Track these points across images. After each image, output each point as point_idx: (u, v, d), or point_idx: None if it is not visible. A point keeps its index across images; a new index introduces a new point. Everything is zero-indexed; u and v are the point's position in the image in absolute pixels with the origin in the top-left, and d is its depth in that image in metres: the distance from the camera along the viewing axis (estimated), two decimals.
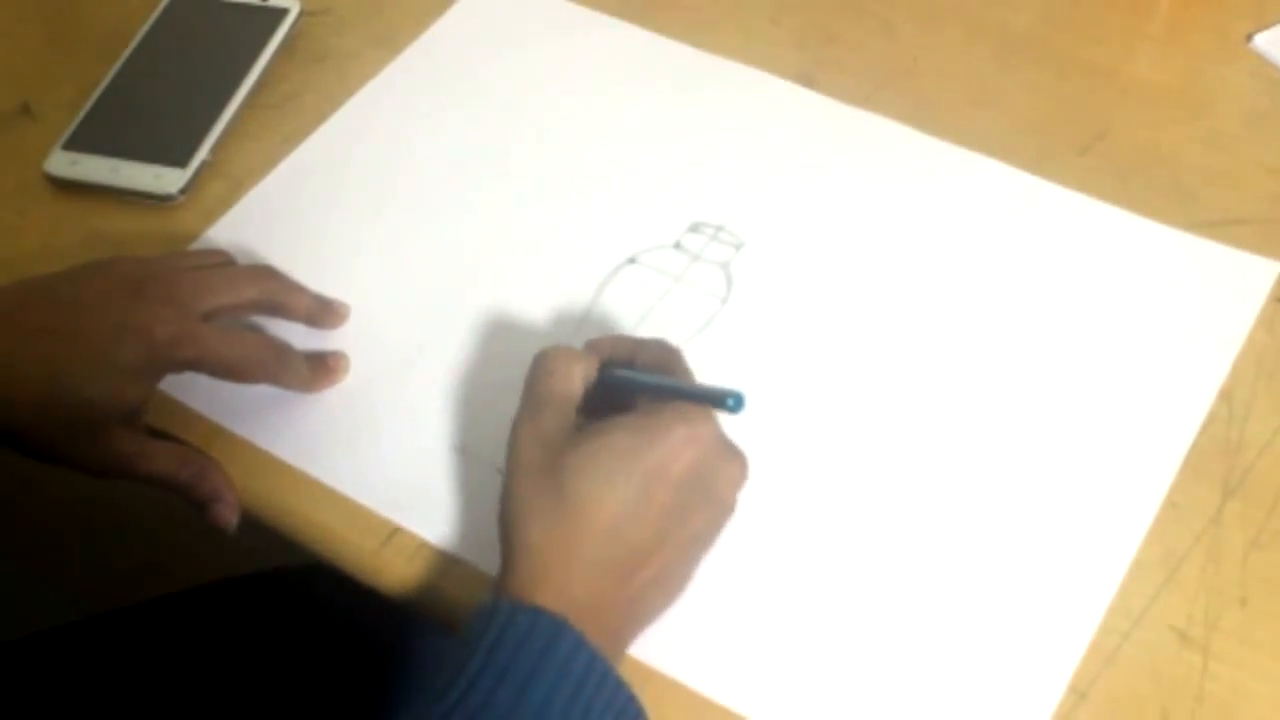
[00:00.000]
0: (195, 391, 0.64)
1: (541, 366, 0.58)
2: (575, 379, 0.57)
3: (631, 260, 0.69)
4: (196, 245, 0.71)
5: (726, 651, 0.56)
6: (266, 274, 0.65)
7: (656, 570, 0.53)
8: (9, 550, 1.31)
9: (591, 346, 0.60)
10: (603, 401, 0.58)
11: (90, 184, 0.73)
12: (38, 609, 1.04)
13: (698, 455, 0.53)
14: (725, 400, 0.53)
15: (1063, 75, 0.76)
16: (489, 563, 0.57)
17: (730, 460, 0.55)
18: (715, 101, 0.75)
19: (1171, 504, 0.58)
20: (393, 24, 0.81)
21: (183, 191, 0.72)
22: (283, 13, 0.80)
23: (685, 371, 0.58)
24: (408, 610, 0.60)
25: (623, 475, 0.52)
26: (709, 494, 0.54)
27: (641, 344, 0.60)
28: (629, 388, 0.58)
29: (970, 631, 0.55)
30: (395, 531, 0.60)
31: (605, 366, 0.59)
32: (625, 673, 0.55)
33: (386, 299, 0.68)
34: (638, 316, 0.66)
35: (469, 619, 0.51)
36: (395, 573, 0.59)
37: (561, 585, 0.51)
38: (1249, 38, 0.76)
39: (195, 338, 0.60)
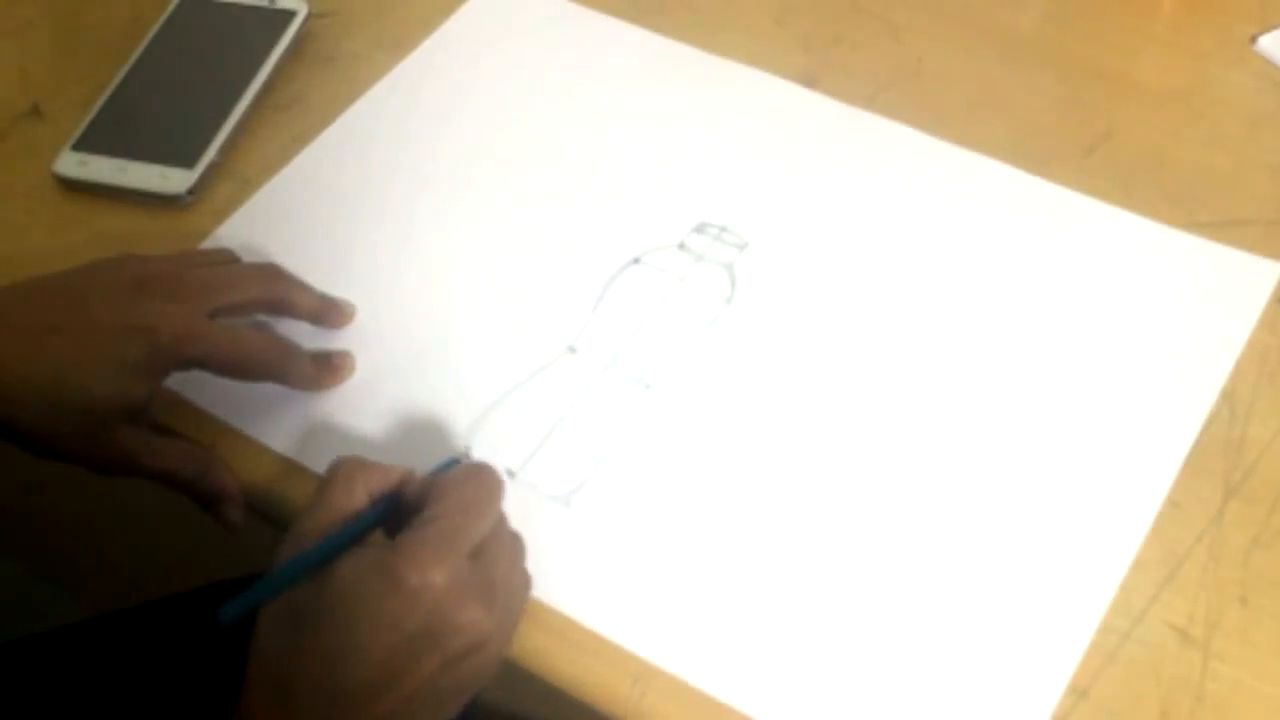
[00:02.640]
0: (201, 389, 0.65)
1: (326, 472, 0.55)
2: (355, 491, 0.54)
3: (636, 261, 0.69)
4: (204, 245, 0.71)
5: (728, 649, 0.56)
6: (273, 273, 0.66)
7: (393, 706, 0.50)
8: (16, 549, 1.31)
9: (403, 478, 0.56)
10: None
11: (99, 184, 0.74)
12: (42, 608, 1.04)
13: (429, 605, 0.49)
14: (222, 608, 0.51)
15: (1067, 77, 0.76)
16: None
17: (466, 611, 0.50)
18: (720, 103, 0.76)
19: (1173, 503, 0.59)
20: (400, 26, 0.81)
21: (191, 192, 0.73)
22: (291, 15, 0.80)
23: (463, 503, 0.53)
24: None
25: (346, 612, 0.49)
26: (440, 646, 0.50)
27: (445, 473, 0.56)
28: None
29: (971, 629, 0.56)
30: None
31: (392, 495, 0.55)
32: (626, 668, 0.55)
33: (392, 299, 0.68)
34: (642, 317, 0.67)
35: None
36: None
37: (284, 710, 0.50)
38: (1253, 40, 0.76)
39: (201, 335, 0.60)
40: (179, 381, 0.63)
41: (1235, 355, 0.63)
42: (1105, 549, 0.57)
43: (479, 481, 0.54)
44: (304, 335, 0.66)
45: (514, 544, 0.56)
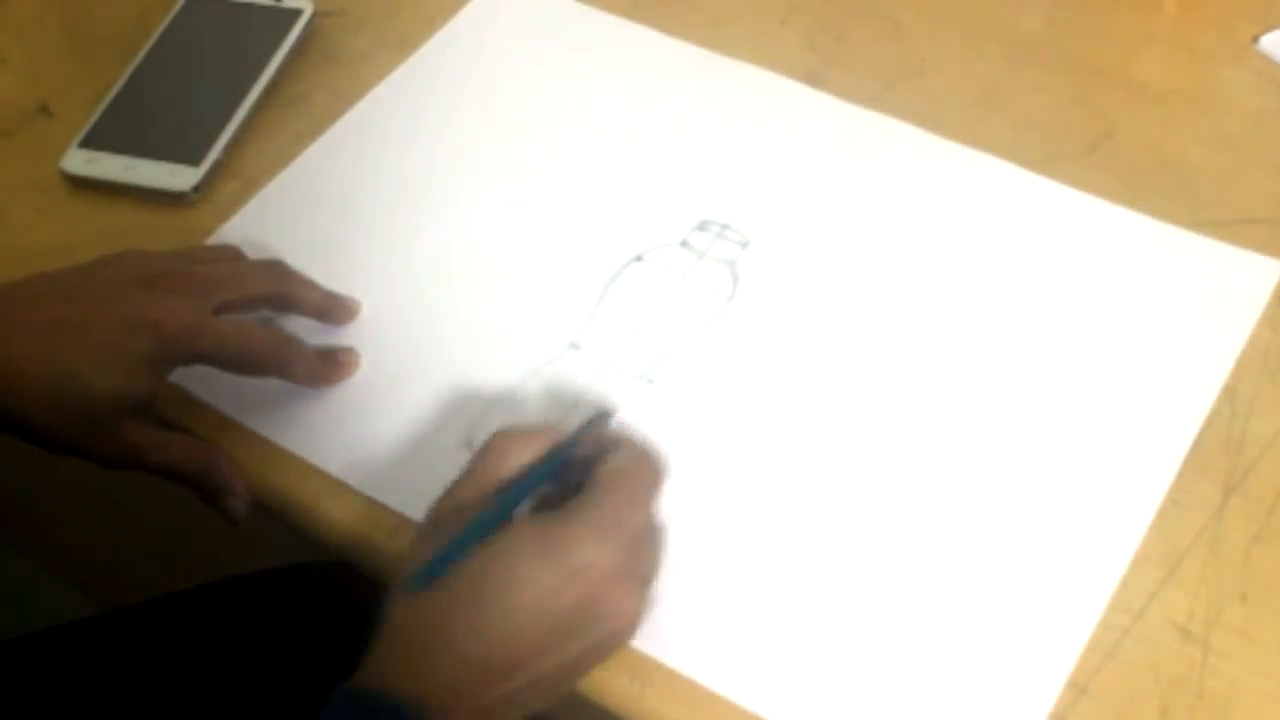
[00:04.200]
0: (206, 384, 0.65)
1: (485, 445, 0.55)
2: (508, 460, 0.54)
3: (638, 258, 0.69)
4: (210, 242, 0.72)
5: (728, 643, 0.56)
6: (277, 269, 0.66)
7: (523, 684, 0.50)
8: (23, 544, 1.32)
9: (567, 437, 0.56)
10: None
11: (106, 181, 0.74)
12: (48, 604, 1.05)
13: (590, 588, 0.50)
14: (415, 574, 0.51)
15: (1069, 76, 0.76)
16: None
17: (625, 596, 0.52)
18: (724, 101, 0.76)
19: (1173, 500, 0.59)
20: (405, 25, 0.81)
21: (196, 189, 0.73)
22: (296, 14, 0.80)
23: (630, 491, 0.53)
24: None
25: (509, 585, 0.50)
26: (596, 626, 0.51)
27: (617, 444, 0.56)
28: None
29: (970, 625, 0.56)
30: (402, 523, 0.61)
31: (557, 459, 0.55)
32: (627, 665, 0.55)
33: (397, 295, 0.69)
34: (644, 314, 0.67)
35: (334, 692, 0.49)
36: (402, 565, 0.60)
37: (421, 673, 0.49)
38: (1255, 39, 0.76)
39: (206, 330, 0.60)
40: (184, 376, 0.64)
41: (1236, 353, 0.63)
42: (1106, 545, 0.57)
43: (649, 468, 0.55)
44: (308, 331, 0.66)
45: (662, 535, 0.56)
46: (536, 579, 0.50)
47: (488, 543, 0.51)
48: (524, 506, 0.55)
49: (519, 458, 0.55)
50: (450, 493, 0.54)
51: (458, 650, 0.50)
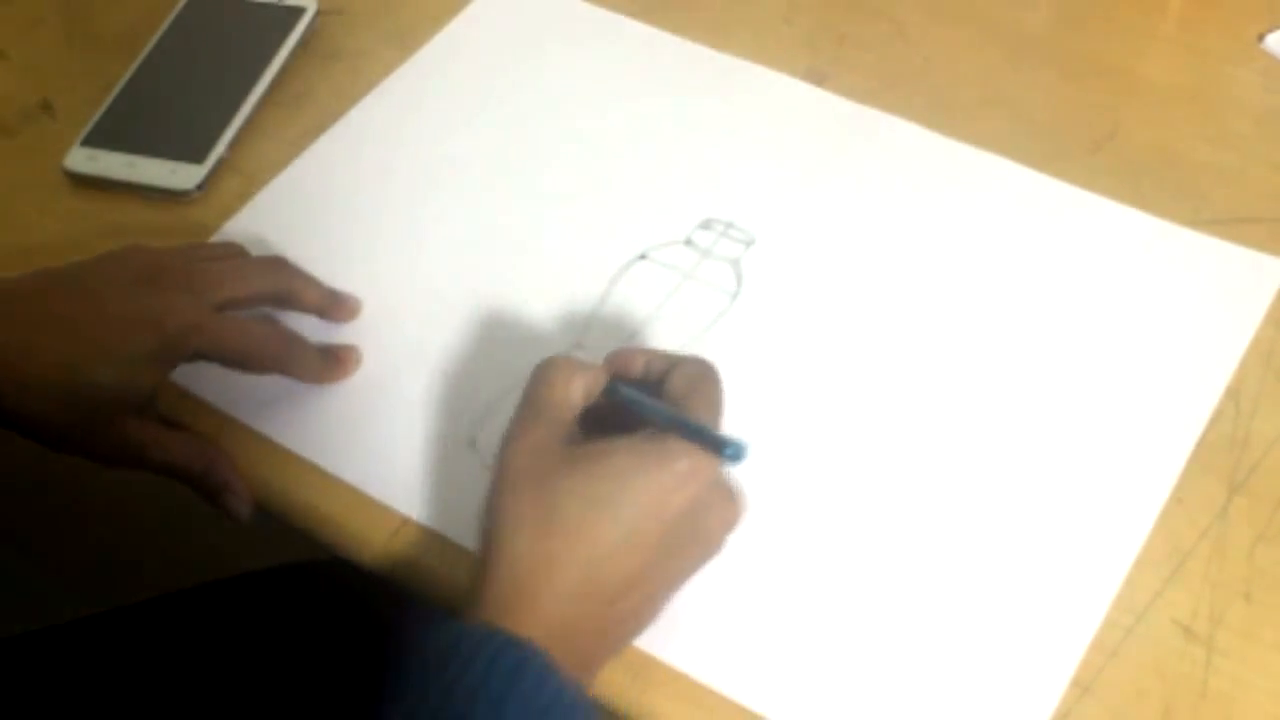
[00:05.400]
0: (206, 382, 0.65)
1: (540, 376, 0.56)
2: (575, 391, 0.55)
3: (642, 256, 0.69)
4: (212, 239, 0.72)
5: (729, 642, 0.56)
6: (279, 266, 0.66)
7: (636, 602, 0.52)
8: (19, 543, 1.32)
9: (611, 360, 0.58)
10: (612, 418, 0.56)
11: (108, 179, 0.74)
12: (47, 603, 1.04)
13: (695, 492, 0.52)
14: (725, 448, 0.51)
15: (1074, 75, 0.76)
16: None
17: (727, 502, 0.53)
18: (727, 100, 0.76)
19: (1177, 499, 0.58)
20: (408, 23, 0.81)
21: (199, 187, 0.73)
22: (299, 11, 0.80)
23: (707, 397, 0.55)
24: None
25: (619, 503, 0.51)
26: (698, 533, 0.53)
27: (678, 362, 0.57)
28: (636, 410, 0.55)
29: (975, 624, 0.56)
30: (404, 523, 0.61)
31: (616, 383, 0.57)
32: (626, 662, 0.55)
33: (398, 293, 0.69)
34: (648, 312, 0.67)
35: (437, 631, 0.49)
36: (403, 564, 0.60)
37: (538, 607, 0.50)
38: (1260, 38, 0.76)
39: (207, 327, 0.60)
40: (184, 374, 0.64)
41: (1240, 352, 0.63)
42: (1110, 545, 0.57)
43: (716, 377, 0.56)
44: (310, 329, 0.66)
45: None
46: (646, 492, 0.51)
47: (599, 456, 0.52)
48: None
49: (579, 386, 0.56)
50: (520, 437, 0.54)
51: (578, 573, 0.50)
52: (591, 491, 0.51)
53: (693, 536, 0.53)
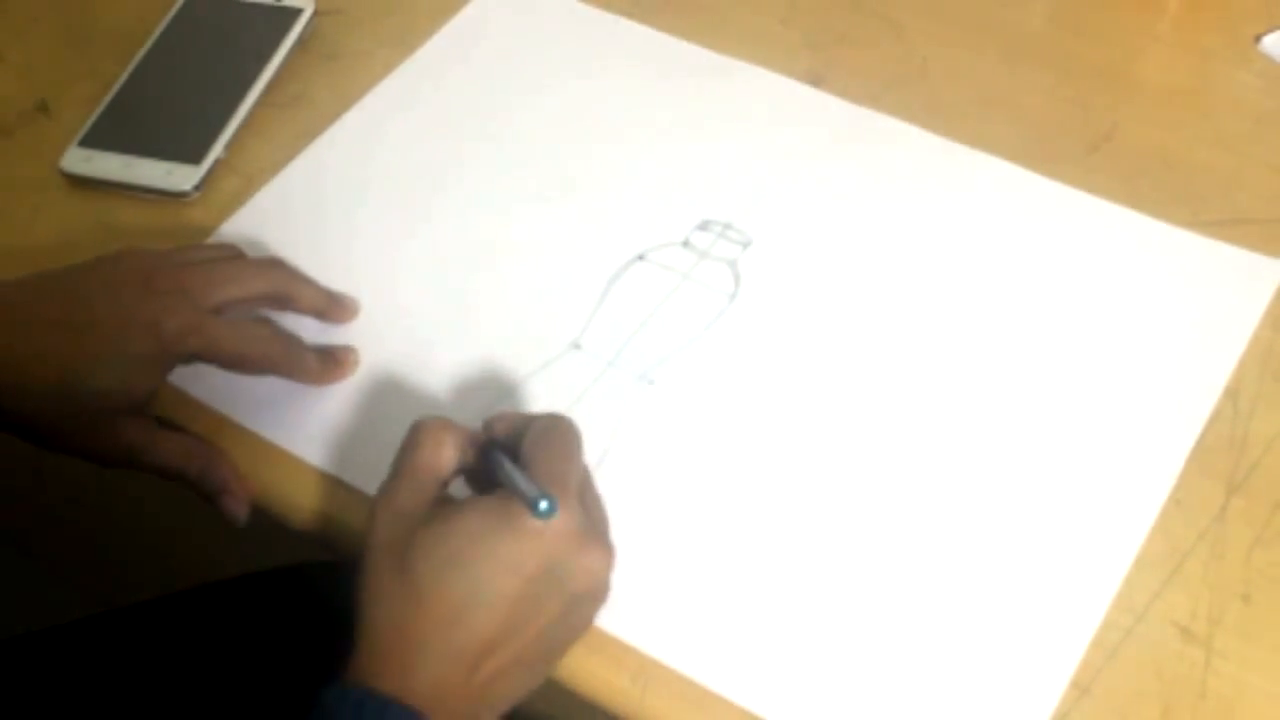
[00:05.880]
0: (205, 383, 0.65)
1: (409, 439, 0.55)
2: (444, 453, 0.54)
3: (640, 257, 0.69)
4: (210, 241, 0.71)
5: (730, 644, 0.56)
6: (277, 267, 0.66)
7: (506, 661, 0.51)
8: (19, 543, 1.32)
9: (487, 423, 0.57)
10: (494, 482, 0.54)
11: (105, 180, 0.74)
12: (43, 604, 1.04)
13: (551, 547, 0.50)
14: (533, 504, 0.50)
15: (1071, 76, 0.76)
16: None
17: (588, 552, 0.51)
18: (725, 101, 0.76)
19: (1176, 501, 0.59)
20: (405, 24, 0.81)
21: (196, 188, 0.73)
22: (297, 12, 0.80)
23: (552, 449, 0.54)
24: None
25: (469, 563, 0.50)
26: (563, 587, 0.51)
27: (532, 420, 0.56)
28: (496, 471, 0.54)
29: (973, 625, 0.56)
30: None
31: (491, 444, 0.55)
32: (628, 664, 0.55)
33: (396, 295, 0.69)
34: (646, 313, 0.67)
35: (319, 696, 0.49)
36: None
37: (402, 671, 0.49)
38: (1257, 39, 0.76)
39: (204, 329, 0.60)
40: (182, 376, 0.64)
41: (1238, 353, 0.63)
42: (1108, 546, 0.57)
43: (567, 428, 0.55)
44: (308, 330, 0.66)
45: (597, 492, 0.56)
46: (497, 551, 0.50)
47: (446, 521, 0.51)
48: (458, 489, 0.56)
49: (449, 447, 0.55)
50: (384, 501, 0.53)
51: (437, 637, 0.50)
52: (443, 552, 0.50)
53: (557, 591, 0.51)
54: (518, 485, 0.51)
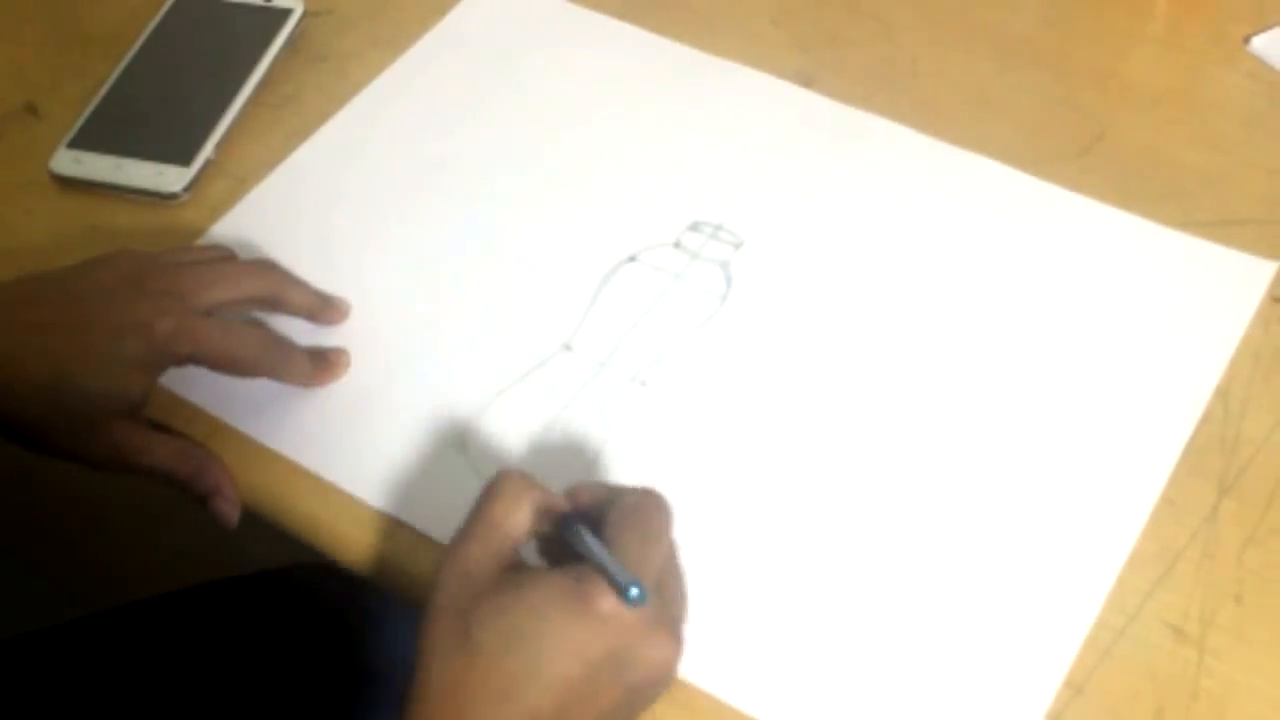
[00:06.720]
0: (196, 386, 0.65)
1: (489, 490, 0.53)
2: (521, 512, 0.52)
3: (631, 259, 0.69)
4: (200, 242, 0.71)
5: (724, 645, 0.56)
6: (268, 269, 0.66)
7: None
8: (9, 546, 1.31)
9: (570, 491, 0.55)
10: (569, 553, 0.52)
11: (95, 182, 0.74)
12: (36, 606, 1.04)
13: (617, 634, 0.49)
14: (627, 590, 0.48)
15: (1061, 77, 0.76)
16: None
17: (656, 645, 0.50)
18: (715, 101, 0.76)
19: (1167, 501, 0.59)
20: (395, 25, 0.81)
21: (186, 190, 0.73)
22: (286, 13, 0.80)
23: (638, 530, 0.52)
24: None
25: (534, 638, 0.48)
26: (623, 677, 0.49)
27: (620, 494, 0.54)
28: (575, 545, 0.52)
29: (967, 626, 0.56)
30: (394, 526, 0.60)
31: (570, 516, 0.53)
32: None
33: (387, 296, 0.68)
34: (637, 315, 0.67)
35: None
36: (394, 568, 0.60)
37: None
38: (1247, 40, 0.77)
39: (196, 331, 0.60)
40: (173, 378, 0.63)
41: (1229, 353, 0.63)
42: (1101, 546, 0.57)
43: (656, 508, 0.53)
44: (299, 332, 0.66)
45: (682, 574, 0.54)
46: (567, 632, 0.48)
47: (517, 592, 0.49)
48: (531, 554, 0.54)
49: (527, 508, 0.53)
50: (455, 554, 0.52)
51: (489, 708, 0.48)
52: (506, 623, 0.49)
53: (618, 680, 0.49)
54: (606, 568, 0.49)
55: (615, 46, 0.79)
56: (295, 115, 0.77)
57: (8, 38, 0.84)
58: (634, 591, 0.48)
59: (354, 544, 0.61)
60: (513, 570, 0.51)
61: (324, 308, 0.67)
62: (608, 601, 0.48)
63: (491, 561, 0.51)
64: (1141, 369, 0.63)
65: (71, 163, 0.74)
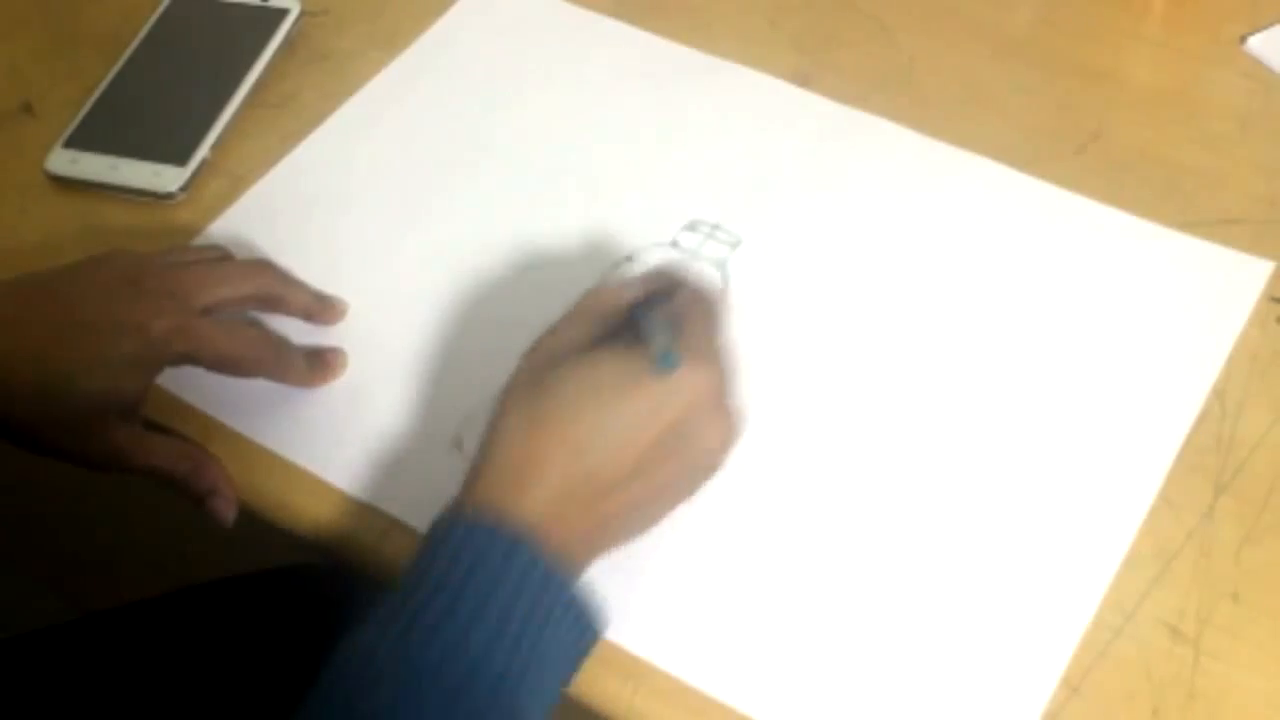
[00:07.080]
0: (193, 386, 0.65)
1: (595, 288, 0.58)
2: (624, 297, 0.57)
3: (629, 258, 0.69)
4: (196, 242, 0.71)
5: (721, 645, 0.56)
6: (264, 269, 0.66)
7: (622, 506, 0.52)
8: (8, 546, 1.31)
9: (644, 279, 0.60)
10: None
11: (91, 182, 0.74)
12: (33, 606, 1.04)
13: (688, 404, 0.52)
14: (664, 356, 0.52)
15: (1058, 76, 0.76)
16: None
17: (719, 419, 0.54)
18: (712, 101, 0.76)
19: (1164, 500, 0.59)
20: (392, 25, 0.81)
21: (183, 190, 0.73)
22: (283, 13, 0.80)
23: (696, 316, 0.56)
24: None
25: (608, 406, 0.52)
26: (689, 446, 0.53)
27: (681, 283, 0.59)
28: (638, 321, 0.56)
29: (964, 625, 0.56)
30: (392, 525, 0.60)
31: (639, 303, 0.58)
32: (619, 666, 0.55)
33: (383, 296, 0.68)
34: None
35: (431, 525, 0.51)
36: (392, 566, 0.60)
37: (524, 497, 0.51)
38: (1242, 39, 0.77)
39: (193, 331, 0.60)
40: (169, 378, 0.63)
41: (1226, 353, 0.63)
42: (1097, 545, 0.58)
43: (718, 296, 0.58)
44: (296, 331, 0.66)
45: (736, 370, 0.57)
46: (636, 399, 0.51)
47: (593, 359, 0.53)
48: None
49: (629, 295, 0.57)
50: (548, 336, 0.56)
51: (559, 462, 0.51)
52: (579, 388, 0.52)
53: (684, 448, 0.53)
54: (654, 333, 0.53)
55: (612, 46, 0.79)
56: (292, 115, 0.77)
57: (4, 37, 0.83)
58: (668, 358, 0.51)
59: (351, 542, 0.61)
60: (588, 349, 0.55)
61: (321, 308, 0.67)
62: (682, 372, 0.52)
63: (570, 338, 0.55)
64: (1138, 368, 0.63)
65: (67, 162, 0.74)
